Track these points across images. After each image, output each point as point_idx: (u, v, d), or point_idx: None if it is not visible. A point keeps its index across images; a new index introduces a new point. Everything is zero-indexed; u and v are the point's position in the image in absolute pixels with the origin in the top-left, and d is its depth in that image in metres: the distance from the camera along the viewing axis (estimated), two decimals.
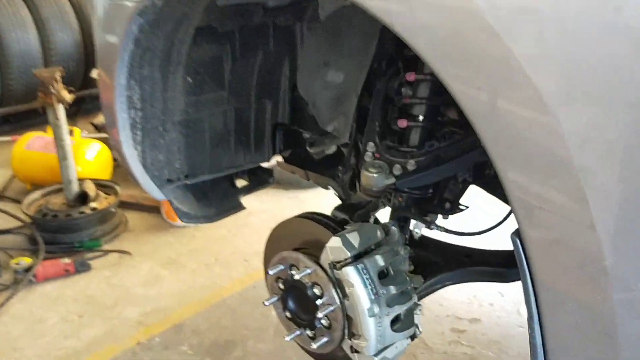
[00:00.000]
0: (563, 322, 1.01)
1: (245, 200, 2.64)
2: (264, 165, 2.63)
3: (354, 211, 1.72)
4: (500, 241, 2.11)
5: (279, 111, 2.46)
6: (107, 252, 3.98)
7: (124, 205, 4.47)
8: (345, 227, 1.66)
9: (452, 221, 2.10)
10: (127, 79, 1.90)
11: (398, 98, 1.91)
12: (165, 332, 3.18)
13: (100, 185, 4.44)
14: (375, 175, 1.73)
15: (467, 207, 1.98)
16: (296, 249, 1.74)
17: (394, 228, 1.65)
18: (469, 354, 2.94)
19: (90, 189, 4.23)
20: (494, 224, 1.84)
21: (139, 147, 2.05)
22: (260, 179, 2.65)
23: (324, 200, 4.69)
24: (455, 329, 3.14)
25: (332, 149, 2.50)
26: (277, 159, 2.73)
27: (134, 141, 2.03)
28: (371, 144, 1.84)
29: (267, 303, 1.77)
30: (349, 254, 1.53)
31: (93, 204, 4.14)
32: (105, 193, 4.37)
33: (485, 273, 1.94)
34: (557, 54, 0.93)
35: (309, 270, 1.63)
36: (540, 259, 1.00)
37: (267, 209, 4.64)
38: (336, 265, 1.55)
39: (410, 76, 1.78)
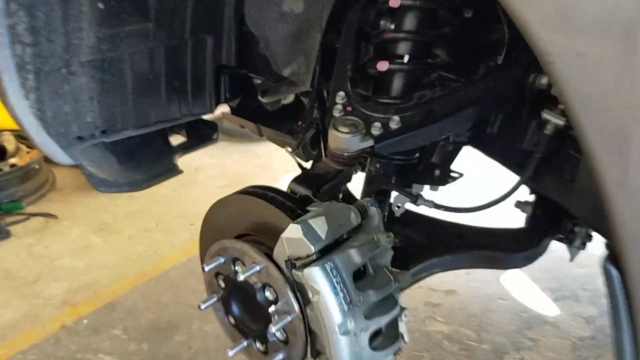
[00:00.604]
0: None
1: (190, 155, 2.18)
2: (206, 117, 2.15)
3: (318, 185, 1.28)
4: (495, 214, 1.71)
5: (223, 50, 1.98)
6: (29, 215, 3.47)
7: (50, 160, 3.91)
8: (307, 207, 1.22)
9: (439, 190, 1.69)
10: (5, 2, 1.38)
11: (376, 33, 1.46)
12: (95, 312, 2.73)
13: (21, 137, 3.86)
14: (347, 136, 1.28)
15: (460, 175, 1.56)
16: (241, 236, 1.30)
17: (373, 209, 1.22)
18: (446, 333, 2.60)
19: (9, 142, 3.69)
20: (497, 197, 1.42)
21: (32, 95, 1.55)
22: (201, 135, 2.18)
23: (283, 155, 4.24)
24: (430, 303, 2.79)
25: (289, 99, 2.04)
26: (223, 109, 2.25)
27: (23, 88, 1.52)
28: (341, 93, 1.38)
29: (202, 306, 1.33)
30: (312, 249, 1.10)
31: (12, 160, 3.61)
32: (28, 147, 3.80)
33: (482, 258, 1.54)
34: None
35: (257, 268, 1.19)
36: None
37: (216, 164, 4.16)
38: (295, 263, 1.12)
39: (395, 1, 1.32)
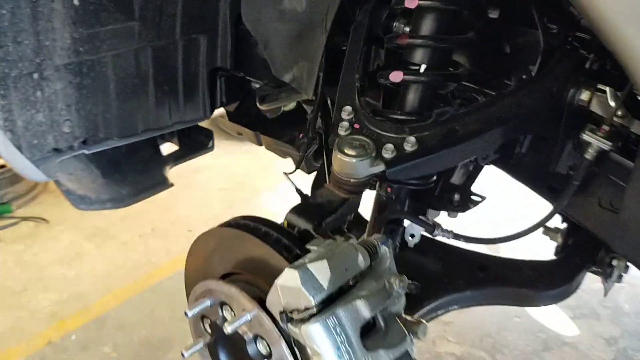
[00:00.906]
0: None
1: None
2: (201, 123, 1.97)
3: (320, 217, 1.10)
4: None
5: (218, 51, 1.80)
6: (19, 219, 3.30)
7: None
8: (307, 245, 1.04)
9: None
10: None
11: (389, 37, 1.26)
12: (84, 327, 2.57)
13: None
14: (354, 160, 1.10)
15: (483, 199, 1.38)
16: (229, 275, 1.12)
17: (384, 248, 1.04)
18: (458, 355, 2.43)
19: None
20: (527, 228, 1.23)
21: None
22: (195, 143, 2.00)
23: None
24: (440, 321, 2.60)
25: (290, 106, 1.85)
26: (220, 114, 2.07)
27: None
28: (347, 108, 1.19)
29: (186, 354, 1.15)
30: (312, 301, 0.92)
31: (2, 160, 3.41)
32: None
33: (508, 295, 1.36)
34: None
35: (248, 317, 1.01)
36: None
37: (217, 165, 3.98)
38: (292, 317, 0.94)
39: (411, 2, 1.13)
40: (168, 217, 3.37)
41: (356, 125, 1.18)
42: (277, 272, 0.98)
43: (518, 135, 1.23)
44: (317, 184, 1.61)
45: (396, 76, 1.18)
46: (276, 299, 0.97)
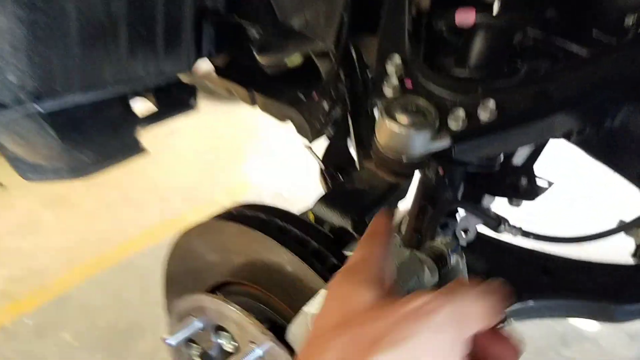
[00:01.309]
0: None
1: None
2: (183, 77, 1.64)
3: (361, 209, 0.78)
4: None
5: None
6: None
7: None
8: (345, 251, 0.73)
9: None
10: None
11: None
12: (41, 309, 2.25)
13: None
14: (409, 130, 0.79)
15: (551, 184, 1.08)
16: (224, 285, 0.81)
17: (457, 259, 0.74)
18: None
19: None
20: (615, 226, 0.95)
21: None
22: (174, 101, 1.67)
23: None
24: None
25: (296, 60, 1.52)
26: (204, 67, 1.73)
27: None
28: (396, 57, 0.87)
29: None
30: None
31: None
32: None
33: (580, 308, 1.07)
34: None
35: (259, 353, 0.71)
36: None
37: (195, 126, 3.62)
38: None
39: None
40: (139, 184, 3.02)
41: (407, 81, 0.86)
42: (302, 289, 0.67)
43: (628, 101, 0.92)
44: (330, 157, 1.30)
45: (466, 16, 0.86)
46: (304, 332, 0.67)
